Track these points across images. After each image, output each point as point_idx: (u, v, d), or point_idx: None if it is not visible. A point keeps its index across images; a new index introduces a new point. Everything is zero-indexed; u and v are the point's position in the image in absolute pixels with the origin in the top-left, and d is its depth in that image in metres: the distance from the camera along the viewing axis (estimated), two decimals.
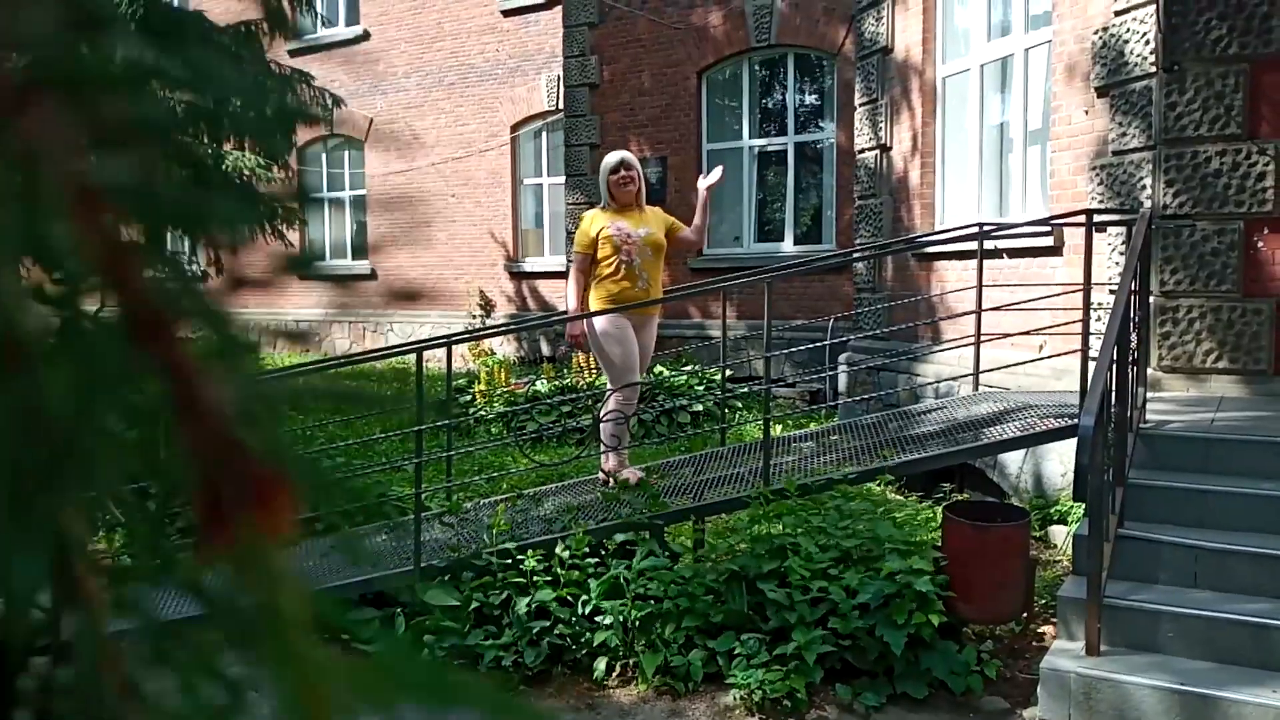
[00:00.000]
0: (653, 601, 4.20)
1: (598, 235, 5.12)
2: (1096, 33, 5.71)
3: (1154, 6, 5.32)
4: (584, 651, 4.25)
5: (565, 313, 5.41)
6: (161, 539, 0.40)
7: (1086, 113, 5.89)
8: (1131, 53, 5.49)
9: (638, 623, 4.17)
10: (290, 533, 0.35)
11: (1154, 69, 5.37)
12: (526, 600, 4.34)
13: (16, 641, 0.40)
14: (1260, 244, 5.25)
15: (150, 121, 0.38)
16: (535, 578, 4.43)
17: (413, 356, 5.15)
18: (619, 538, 4.55)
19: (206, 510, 0.35)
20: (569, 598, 4.37)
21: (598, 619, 4.27)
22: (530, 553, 4.52)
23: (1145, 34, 5.40)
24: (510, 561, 4.51)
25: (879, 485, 5.86)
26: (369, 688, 0.35)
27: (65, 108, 0.36)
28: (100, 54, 0.39)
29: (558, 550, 4.52)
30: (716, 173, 5.42)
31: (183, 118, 0.40)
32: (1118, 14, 5.57)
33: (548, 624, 4.28)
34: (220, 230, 0.40)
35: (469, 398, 9.25)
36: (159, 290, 0.35)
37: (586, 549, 4.52)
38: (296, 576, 0.35)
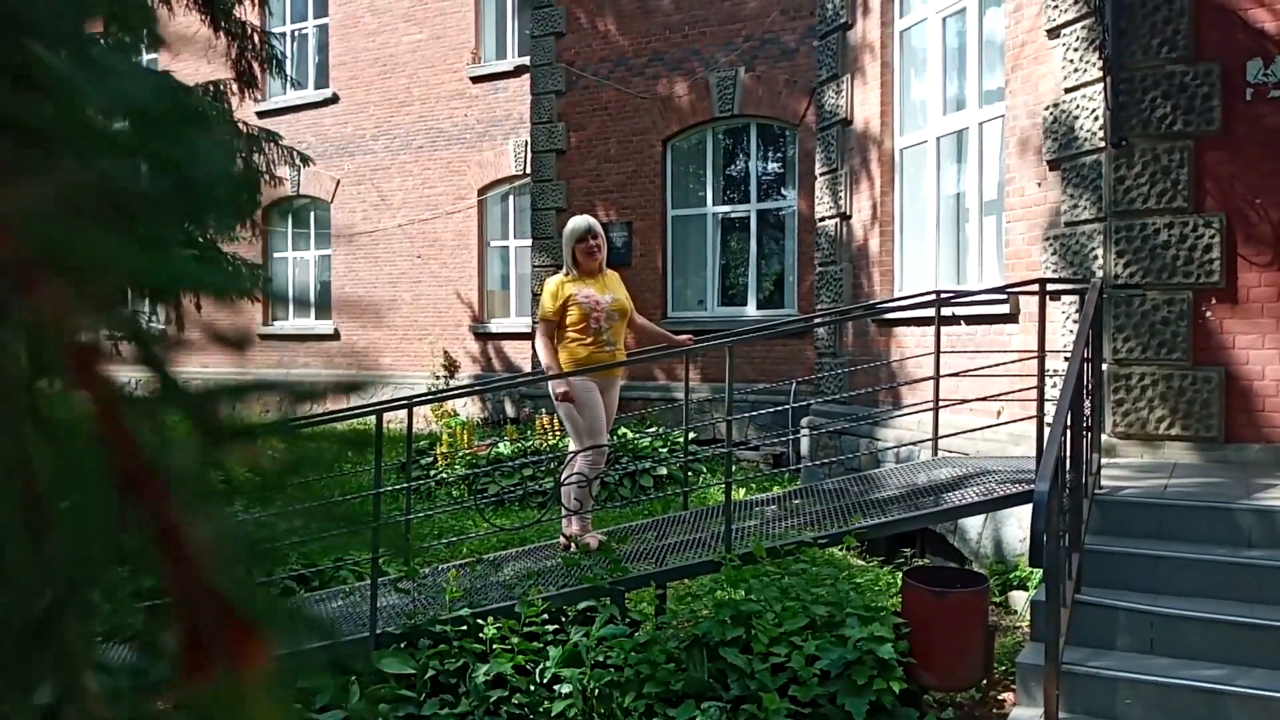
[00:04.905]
0: (613, 669, 4.14)
1: (565, 302, 5.14)
2: (1047, 109, 5.90)
3: (1102, 85, 5.52)
4: None
5: (530, 373, 5.41)
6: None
7: (1039, 185, 6.05)
8: (1081, 128, 5.68)
9: (597, 691, 4.10)
10: (263, 676, 0.37)
11: (1103, 144, 5.54)
12: (484, 668, 4.26)
13: None
14: (1208, 314, 5.38)
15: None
16: (494, 645, 4.35)
17: (376, 418, 5.10)
18: (580, 604, 4.50)
19: (187, 650, 0.37)
20: (527, 665, 4.30)
21: (556, 687, 4.20)
22: (488, 620, 4.45)
23: (1094, 110, 5.59)
24: (466, 628, 4.43)
25: (840, 550, 5.86)
26: None
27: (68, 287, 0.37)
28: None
29: (517, 609, 4.46)
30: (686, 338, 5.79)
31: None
32: (1067, 91, 5.76)
33: (505, 693, 4.20)
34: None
35: (430, 459, 9.17)
36: (150, 446, 0.37)
37: (546, 615, 4.45)
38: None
